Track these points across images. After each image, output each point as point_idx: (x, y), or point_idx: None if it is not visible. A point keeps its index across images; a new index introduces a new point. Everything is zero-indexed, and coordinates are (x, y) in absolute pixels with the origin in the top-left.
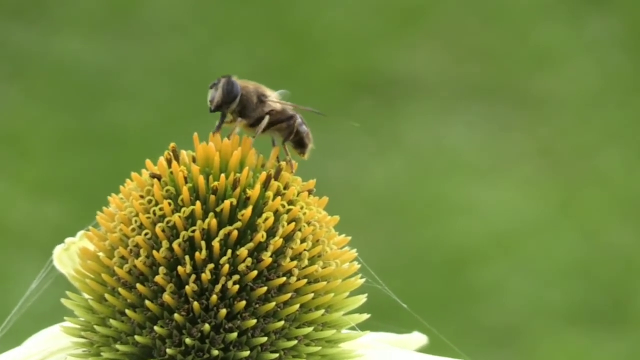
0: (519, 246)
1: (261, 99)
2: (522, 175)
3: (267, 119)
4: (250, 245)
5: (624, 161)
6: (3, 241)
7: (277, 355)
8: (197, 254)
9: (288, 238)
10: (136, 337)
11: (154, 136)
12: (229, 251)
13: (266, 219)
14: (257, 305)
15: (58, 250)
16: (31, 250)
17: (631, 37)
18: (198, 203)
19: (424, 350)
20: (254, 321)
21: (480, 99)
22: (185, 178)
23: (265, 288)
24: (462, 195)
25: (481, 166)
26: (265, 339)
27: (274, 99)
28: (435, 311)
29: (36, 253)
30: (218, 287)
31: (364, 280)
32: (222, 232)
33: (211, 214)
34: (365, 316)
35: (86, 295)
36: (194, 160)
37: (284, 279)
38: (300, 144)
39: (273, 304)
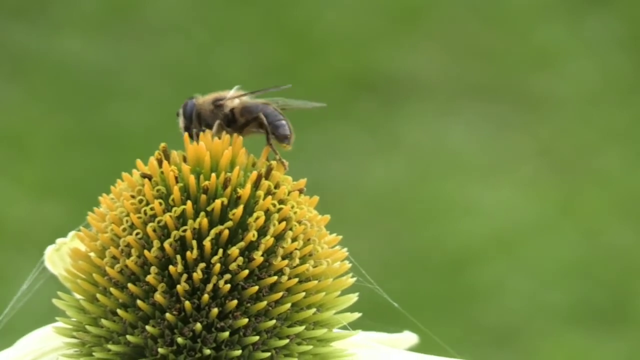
0: (519, 246)
1: (217, 103)
2: (522, 175)
3: (217, 123)
4: (242, 244)
5: (624, 161)
6: (3, 241)
7: (269, 354)
8: (188, 253)
9: (279, 237)
10: (128, 336)
11: (155, 136)
12: (221, 250)
13: (257, 218)
14: (248, 305)
15: (49, 250)
16: (31, 250)
17: (631, 37)
18: (189, 202)
19: (415, 349)
20: (246, 320)
21: (480, 99)
22: (176, 178)
23: (256, 287)
24: (463, 195)
25: (481, 166)
26: (257, 338)
27: (232, 97)
28: (435, 311)
29: (36, 253)
30: (209, 286)
31: (355, 279)
32: (213, 232)
33: (202, 213)
34: (357, 315)
35: (78, 296)
36: (184, 160)
37: (275, 278)
38: (278, 136)
39: (264, 303)
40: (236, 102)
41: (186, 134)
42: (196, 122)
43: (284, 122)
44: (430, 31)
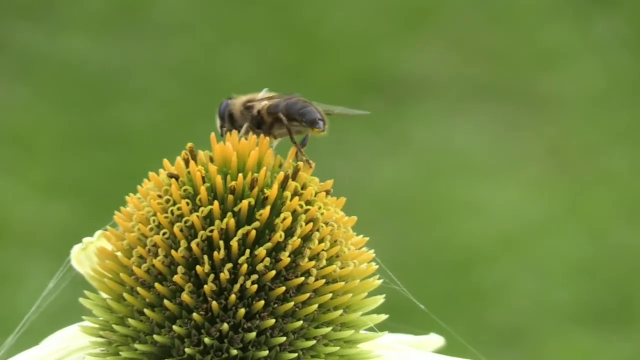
0: (526, 246)
1: (247, 105)
2: (529, 175)
3: (245, 125)
4: (269, 245)
5: (630, 161)
6: (9, 241)
7: (295, 355)
8: (215, 253)
9: (306, 238)
10: (155, 336)
11: (162, 136)
12: (248, 251)
13: (284, 219)
14: (275, 305)
15: (76, 250)
16: (37, 250)
17: (637, 38)
18: (216, 203)
19: (440, 351)
20: (273, 321)
21: (487, 99)
22: (203, 178)
23: (283, 288)
24: (470, 195)
25: (489, 166)
26: (284, 338)
27: (261, 98)
28: (443, 311)
29: (42, 253)
30: (237, 286)
31: (382, 281)
32: (240, 232)
33: (229, 213)
34: (384, 317)
35: (104, 295)
36: (211, 160)
37: (303, 279)
38: (307, 123)
39: (292, 303)
40: (264, 103)
41: (212, 135)
42: (229, 122)
43: (310, 107)
44: (438, 31)
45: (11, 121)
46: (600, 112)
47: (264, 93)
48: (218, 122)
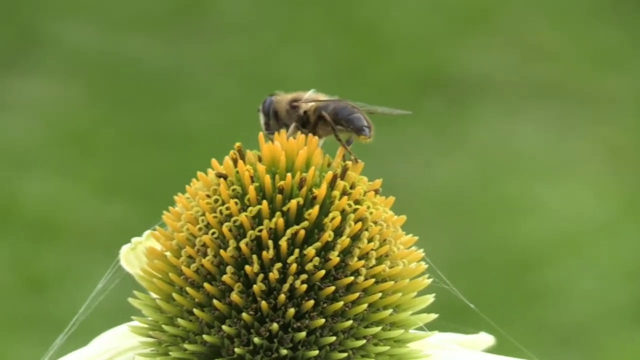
0: (586, 246)
1: (293, 104)
2: (588, 174)
3: (293, 125)
4: (318, 244)
5: None
6: (68, 241)
7: (345, 354)
8: (264, 253)
9: (355, 237)
10: (204, 336)
11: (220, 136)
12: (297, 250)
13: (333, 218)
14: (325, 305)
15: (125, 249)
16: (96, 250)
17: None
18: (265, 202)
19: (490, 350)
20: (323, 320)
21: (547, 98)
22: (251, 177)
23: (333, 287)
24: (529, 195)
25: (547, 166)
26: (333, 338)
27: (307, 99)
28: (501, 311)
29: (101, 253)
30: (286, 286)
31: (431, 280)
32: (289, 232)
33: (278, 213)
34: (433, 316)
35: (154, 295)
36: (259, 159)
37: (352, 278)
38: (354, 129)
39: (341, 303)
40: (311, 104)
41: (260, 135)
42: (273, 119)
43: (358, 114)
44: (497, 31)
45: (68, 121)
46: None
47: (310, 93)
48: (262, 119)
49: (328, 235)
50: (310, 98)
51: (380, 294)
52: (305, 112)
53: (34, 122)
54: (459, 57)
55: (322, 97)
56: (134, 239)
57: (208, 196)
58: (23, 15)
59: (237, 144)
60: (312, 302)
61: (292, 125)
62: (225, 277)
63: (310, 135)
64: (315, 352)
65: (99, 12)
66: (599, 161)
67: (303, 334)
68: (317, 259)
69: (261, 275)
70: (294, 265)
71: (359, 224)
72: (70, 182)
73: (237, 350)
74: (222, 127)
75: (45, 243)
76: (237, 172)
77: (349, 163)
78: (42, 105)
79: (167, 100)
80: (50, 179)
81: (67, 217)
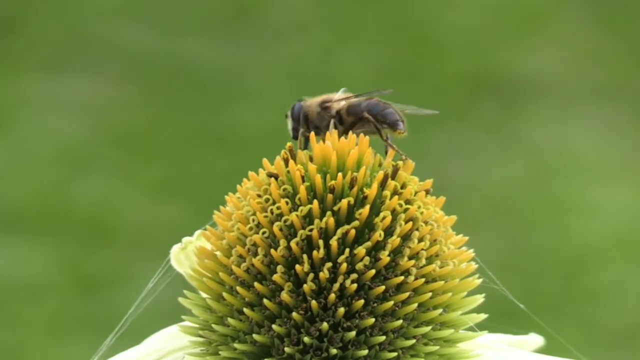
0: (638, 248)
1: (324, 106)
2: None
3: (331, 122)
4: (368, 244)
5: None
6: (123, 241)
7: (395, 354)
8: (314, 252)
9: (405, 237)
10: (254, 335)
11: (275, 137)
12: (347, 250)
13: (383, 218)
14: (375, 304)
15: (175, 249)
16: (150, 251)
17: None
18: (315, 202)
19: (540, 351)
20: (372, 320)
21: (600, 100)
22: (302, 177)
23: (383, 287)
24: (582, 196)
25: (601, 167)
26: (383, 338)
27: (338, 99)
28: (554, 312)
29: (155, 253)
30: (336, 285)
31: (481, 280)
32: (339, 231)
33: (329, 212)
34: (483, 316)
35: (204, 294)
36: (310, 159)
37: (402, 278)
38: (389, 124)
39: (391, 303)
40: (342, 103)
41: (312, 134)
42: (304, 124)
43: (390, 109)
44: (551, 32)
45: (124, 122)
46: None
47: (340, 93)
48: (290, 124)
49: (378, 234)
50: (342, 98)
51: (430, 294)
52: (337, 112)
53: (87, 123)
54: (513, 58)
55: (354, 96)
56: (185, 239)
57: (259, 196)
58: (75, 16)
59: (289, 144)
60: (362, 301)
61: (331, 122)
62: (275, 277)
63: (361, 135)
64: (365, 352)
65: (157, 13)
66: None
67: (353, 333)
68: (367, 258)
69: (311, 275)
70: (345, 265)
71: (410, 223)
72: (124, 183)
73: (287, 349)
74: (276, 128)
75: (98, 244)
76: (288, 171)
77: (400, 163)
78: (96, 106)
79: (222, 101)
80: (103, 180)
81: (120, 218)
